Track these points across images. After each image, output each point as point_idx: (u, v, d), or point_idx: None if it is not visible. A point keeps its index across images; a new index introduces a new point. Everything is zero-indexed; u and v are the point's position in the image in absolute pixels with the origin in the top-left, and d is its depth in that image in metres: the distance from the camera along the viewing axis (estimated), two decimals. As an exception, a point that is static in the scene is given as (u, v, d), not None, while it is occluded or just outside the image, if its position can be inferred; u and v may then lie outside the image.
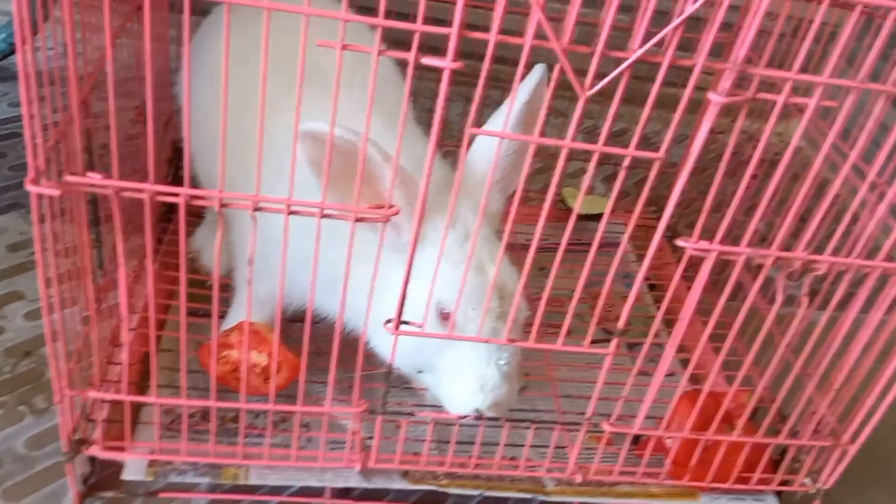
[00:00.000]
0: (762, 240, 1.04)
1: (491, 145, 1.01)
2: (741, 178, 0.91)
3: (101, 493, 1.09)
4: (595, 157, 0.83)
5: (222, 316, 1.26)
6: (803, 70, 0.80)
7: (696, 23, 0.80)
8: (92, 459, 1.09)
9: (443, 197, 0.93)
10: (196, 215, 1.46)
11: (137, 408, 1.13)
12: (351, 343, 0.99)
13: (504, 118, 0.89)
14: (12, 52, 1.92)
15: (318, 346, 1.08)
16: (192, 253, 1.39)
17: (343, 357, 0.95)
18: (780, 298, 0.97)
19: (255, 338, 1.12)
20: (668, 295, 0.96)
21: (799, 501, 1.20)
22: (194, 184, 1.01)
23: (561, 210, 1.72)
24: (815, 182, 0.93)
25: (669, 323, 1.53)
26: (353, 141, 0.85)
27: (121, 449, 1.03)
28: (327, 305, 1.07)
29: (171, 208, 1.52)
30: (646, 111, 0.79)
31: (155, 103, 1.21)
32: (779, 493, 1.20)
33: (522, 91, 0.99)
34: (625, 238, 0.94)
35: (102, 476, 1.11)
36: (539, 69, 1.00)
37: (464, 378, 0.99)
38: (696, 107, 0.82)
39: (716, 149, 1.70)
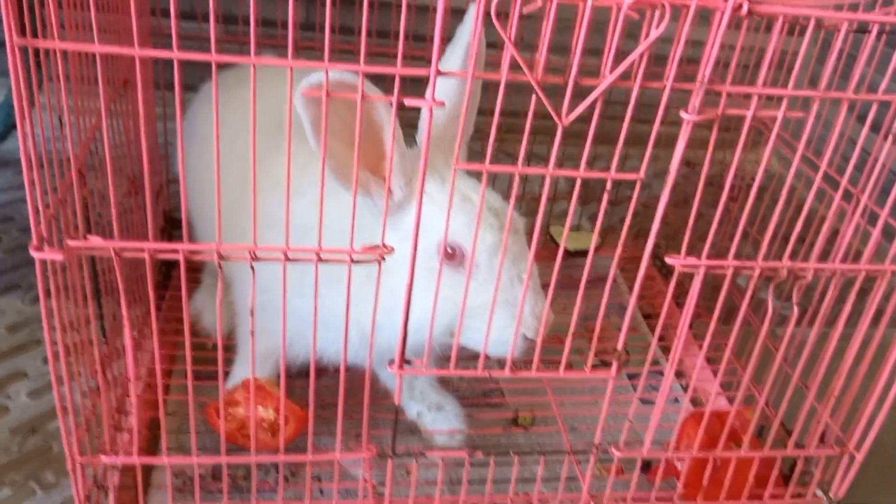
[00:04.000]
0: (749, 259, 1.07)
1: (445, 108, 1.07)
2: (721, 204, 0.94)
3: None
4: (577, 185, 0.86)
5: (225, 375, 1.26)
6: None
7: (662, 60, 0.84)
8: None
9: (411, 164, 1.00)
10: (192, 281, 1.48)
11: (147, 474, 1.14)
12: (354, 392, 1.00)
13: (454, 59, 0.94)
14: (3, 139, 1.96)
15: (321, 399, 1.09)
16: (192, 316, 1.41)
17: (347, 407, 0.96)
18: (770, 310, 0.99)
19: (261, 393, 1.13)
20: (663, 314, 0.98)
21: (814, 513, 1.20)
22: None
23: (552, 248, 1.75)
24: (794, 200, 0.96)
25: (667, 350, 1.56)
26: (351, 82, 0.82)
27: (134, 514, 1.02)
28: (329, 348, 1.08)
29: (167, 274, 1.54)
30: (622, 134, 0.83)
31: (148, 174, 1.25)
32: (793, 508, 1.20)
33: (463, 33, 1.04)
34: (612, 269, 0.95)
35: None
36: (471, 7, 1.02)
37: (498, 314, 0.97)
38: (671, 141, 0.86)
39: (695, 180, 1.75)
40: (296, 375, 1.23)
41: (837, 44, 0.83)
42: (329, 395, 0.98)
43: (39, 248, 0.82)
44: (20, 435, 1.28)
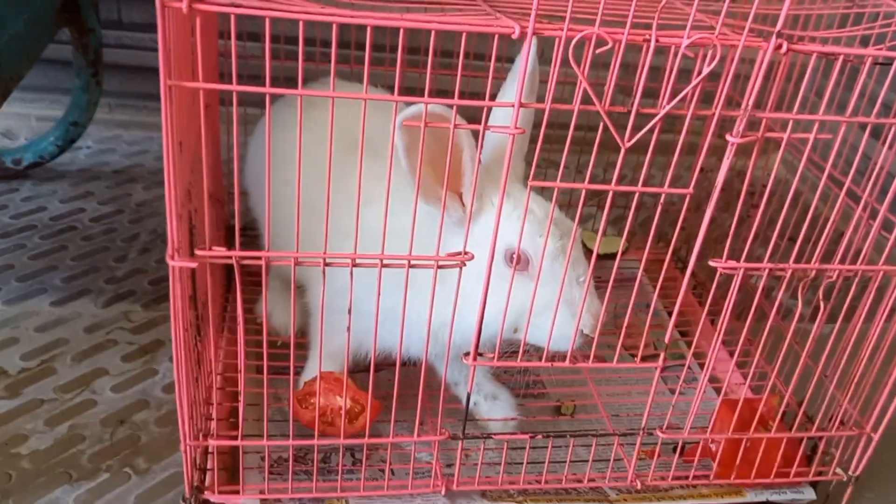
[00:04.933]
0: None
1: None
2: (734, 211, 1.07)
3: (211, 537, 1.21)
4: (609, 198, 0.99)
5: (298, 372, 1.39)
6: (778, 109, 0.97)
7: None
8: (201, 507, 1.21)
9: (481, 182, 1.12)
10: (257, 285, 1.59)
11: (235, 457, 1.26)
12: (410, 385, 1.11)
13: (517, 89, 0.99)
14: (61, 152, 2.08)
15: (386, 391, 1.22)
16: (260, 318, 1.53)
17: (407, 398, 1.08)
18: (799, 309, 1.12)
19: (337, 385, 1.25)
20: (676, 308, 1.11)
21: (833, 490, 1.33)
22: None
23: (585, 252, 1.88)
24: (799, 203, 1.10)
25: (689, 344, 1.70)
26: (441, 113, 0.96)
27: (235, 492, 1.15)
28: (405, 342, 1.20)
29: (231, 279, 1.67)
30: (676, 153, 0.96)
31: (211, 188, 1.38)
32: (814, 485, 1.33)
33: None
34: (639, 272, 1.09)
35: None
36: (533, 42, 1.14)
37: (561, 312, 1.10)
38: (692, 149, 0.99)
39: (707, 186, 1.88)
40: (362, 371, 1.35)
41: (862, 76, 0.96)
42: (392, 387, 1.11)
43: (173, 258, 0.94)
44: (110, 426, 1.40)
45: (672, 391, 1.55)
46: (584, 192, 0.99)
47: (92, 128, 2.19)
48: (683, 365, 1.22)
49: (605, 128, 0.92)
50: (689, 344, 1.74)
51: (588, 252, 1.20)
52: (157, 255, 1.85)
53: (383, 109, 1.00)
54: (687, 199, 1.02)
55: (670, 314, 1.83)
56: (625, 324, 1.09)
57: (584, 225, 2.09)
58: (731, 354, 1.59)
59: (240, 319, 1.03)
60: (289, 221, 1.03)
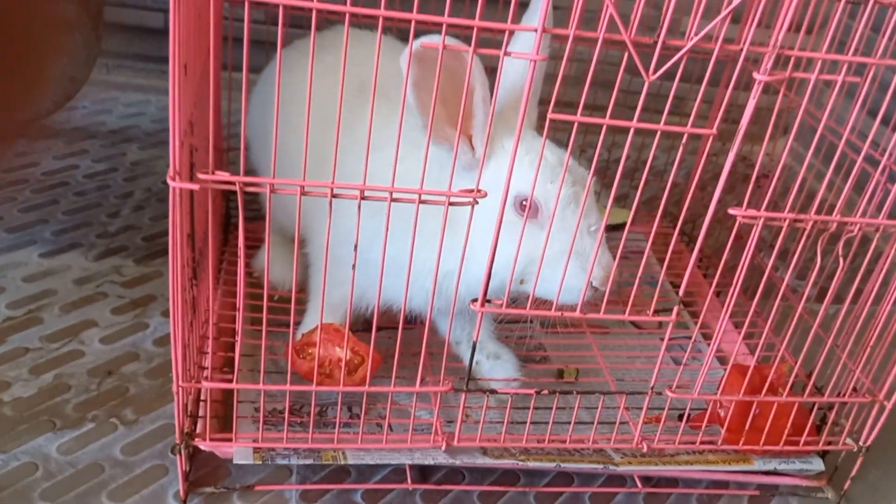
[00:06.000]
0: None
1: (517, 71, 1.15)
2: (740, 194, 1.03)
3: (200, 488, 1.16)
4: (621, 167, 0.95)
5: (297, 324, 1.34)
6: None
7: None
8: (190, 457, 1.16)
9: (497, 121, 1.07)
10: (257, 240, 1.54)
11: (228, 407, 1.21)
12: (410, 344, 1.07)
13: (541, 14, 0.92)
14: (56, 109, 2.03)
15: (387, 349, 1.18)
16: (261, 271, 1.48)
17: (405, 358, 1.05)
18: (818, 264, 1.08)
19: (338, 335, 1.21)
20: (688, 273, 1.07)
21: (843, 460, 1.30)
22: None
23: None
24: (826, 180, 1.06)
25: (693, 315, 1.67)
26: (460, 45, 0.92)
27: (227, 439, 1.10)
28: (402, 296, 1.15)
29: (228, 223, 1.63)
30: (702, 86, 0.92)
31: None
32: (823, 455, 1.30)
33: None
34: (648, 246, 1.06)
35: (200, 474, 1.19)
36: None
37: (571, 264, 1.05)
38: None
39: (712, 170, 1.85)
40: (362, 329, 1.31)
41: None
42: (393, 345, 1.06)
43: (174, 179, 0.90)
44: (97, 377, 1.35)
45: (677, 361, 1.51)
46: (604, 128, 0.95)
47: (88, 88, 2.13)
48: (689, 337, 1.18)
49: (630, 60, 0.88)
50: (693, 315, 1.71)
51: None
52: (152, 213, 1.81)
53: (393, 55, 0.95)
54: (710, 141, 0.98)
55: (675, 288, 1.81)
56: (632, 293, 1.06)
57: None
58: (738, 327, 1.56)
59: (241, 253, 0.99)
60: (295, 165, 0.98)
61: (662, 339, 1.58)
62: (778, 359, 1.26)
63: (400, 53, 0.97)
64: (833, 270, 1.12)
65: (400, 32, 1.42)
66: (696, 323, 1.59)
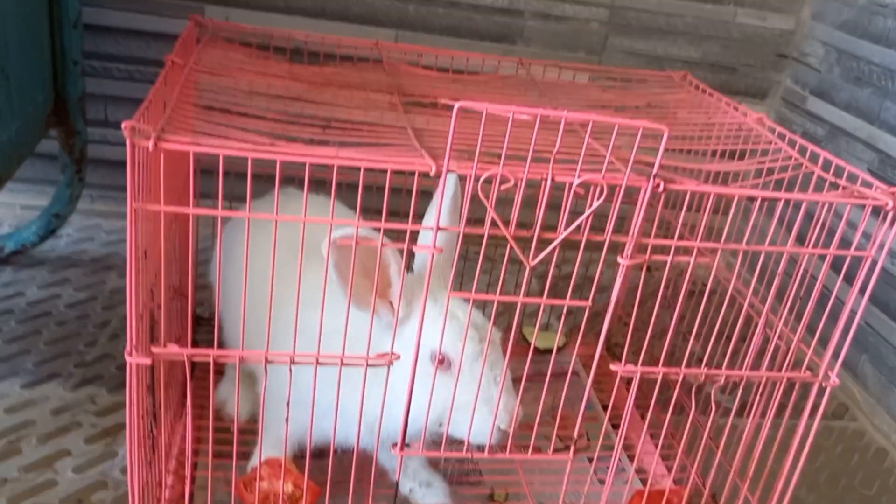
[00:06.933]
0: (699, 361, 1.33)
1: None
2: (675, 309, 1.22)
3: None
4: (542, 307, 1.14)
5: (246, 457, 1.49)
6: (682, 237, 1.13)
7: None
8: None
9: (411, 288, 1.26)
10: (217, 373, 1.71)
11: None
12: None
13: (435, 217, 1.13)
14: (41, 241, 2.22)
15: (335, 475, 1.33)
16: (217, 404, 1.64)
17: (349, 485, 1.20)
18: (713, 406, 1.26)
19: (281, 470, 1.36)
20: (610, 404, 1.24)
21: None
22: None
23: (524, 346, 2.02)
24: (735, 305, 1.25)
25: (628, 447, 1.82)
26: (372, 236, 1.11)
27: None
28: (338, 434, 1.31)
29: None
30: (575, 267, 1.11)
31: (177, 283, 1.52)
32: (724, 576, 1.44)
33: (446, 199, 1.27)
34: (570, 366, 1.23)
35: None
36: (452, 178, 1.29)
37: (479, 410, 1.21)
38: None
39: (652, 283, 2.03)
40: (304, 457, 1.46)
41: (732, 209, 1.13)
42: (335, 474, 1.22)
43: (131, 354, 1.07)
44: (68, 505, 1.49)
45: (602, 481, 1.66)
46: (495, 302, 1.14)
47: (73, 216, 2.33)
48: (611, 456, 1.33)
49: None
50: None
51: (527, 345, 1.33)
52: (126, 342, 1.96)
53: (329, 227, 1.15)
54: (588, 312, 1.16)
55: (605, 407, 1.97)
56: (558, 415, 1.22)
57: (532, 319, 2.24)
58: (657, 447, 1.72)
59: (188, 412, 1.15)
60: (249, 317, 1.16)
61: (589, 461, 1.76)
62: (691, 481, 1.42)
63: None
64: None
65: (348, 198, 1.62)
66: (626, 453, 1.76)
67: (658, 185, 1.07)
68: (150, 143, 0.96)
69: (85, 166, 2.15)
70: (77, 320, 2.04)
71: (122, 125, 0.96)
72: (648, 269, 2.23)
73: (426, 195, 1.23)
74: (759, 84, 2.66)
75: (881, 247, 1.12)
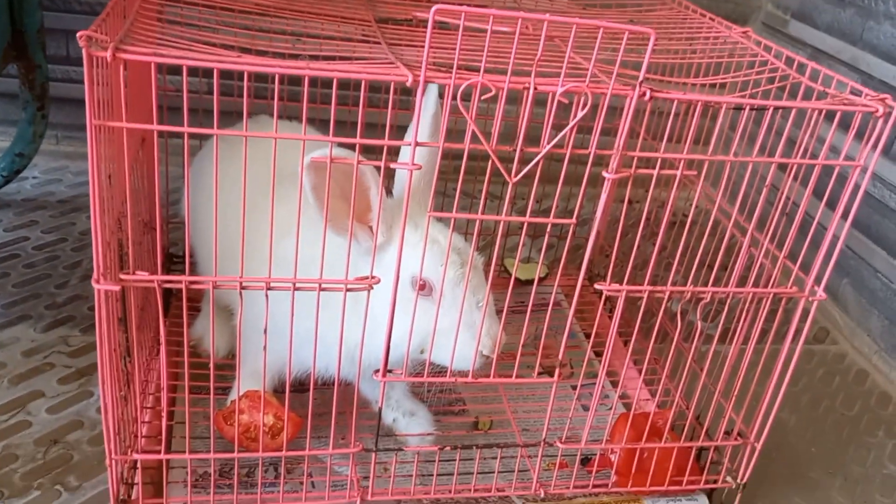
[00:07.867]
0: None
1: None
2: (657, 239, 1.19)
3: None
4: (524, 228, 1.11)
5: (224, 392, 1.46)
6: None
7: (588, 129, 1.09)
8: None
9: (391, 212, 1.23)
10: (193, 309, 1.67)
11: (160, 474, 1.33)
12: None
13: (421, 129, 1.09)
14: (6, 183, 2.14)
15: (316, 408, 1.31)
16: (194, 341, 1.60)
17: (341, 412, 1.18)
18: (698, 328, 1.24)
19: (261, 402, 1.33)
20: (594, 331, 1.22)
21: (725, 498, 1.44)
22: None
23: (506, 278, 1.99)
24: (717, 232, 1.22)
25: (612, 374, 1.81)
26: (346, 155, 1.07)
27: (159, 504, 1.22)
28: (319, 364, 1.28)
29: (166, 303, 1.74)
30: (559, 186, 1.07)
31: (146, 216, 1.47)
32: (710, 493, 1.44)
33: (427, 107, 1.24)
34: (552, 296, 1.21)
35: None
36: (432, 94, 1.25)
37: (462, 335, 1.19)
38: (594, 179, 1.11)
39: (635, 215, 2.01)
40: (295, 390, 1.43)
41: (720, 119, 1.09)
42: (317, 406, 1.19)
43: (98, 281, 1.02)
44: (43, 446, 1.46)
45: (585, 408, 1.65)
46: (478, 221, 1.10)
47: (39, 159, 2.25)
48: (595, 383, 1.32)
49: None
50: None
51: (509, 277, 1.30)
52: (98, 282, 1.92)
53: (313, 146, 1.09)
54: (572, 230, 1.13)
55: (587, 336, 1.96)
56: (540, 344, 1.20)
57: (513, 253, 2.21)
58: (641, 373, 1.71)
59: (162, 341, 1.11)
60: (222, 248, 1.11)
61: (573, 388, 1.75)
62: (675, 405, 1.41)
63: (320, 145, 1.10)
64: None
65: (322, 123, 1.56)
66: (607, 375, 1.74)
67: (644, 94, 1.02)
68: (109, 54, 0.90)
69: (48, 103, 2.07)
70: (46, 262, 1.98)
71: (78, 35, 0.90)
72: (630, 202, 2.22)
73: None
74: (740, 10, 2.61)
75: (873, 148, 1.10)
